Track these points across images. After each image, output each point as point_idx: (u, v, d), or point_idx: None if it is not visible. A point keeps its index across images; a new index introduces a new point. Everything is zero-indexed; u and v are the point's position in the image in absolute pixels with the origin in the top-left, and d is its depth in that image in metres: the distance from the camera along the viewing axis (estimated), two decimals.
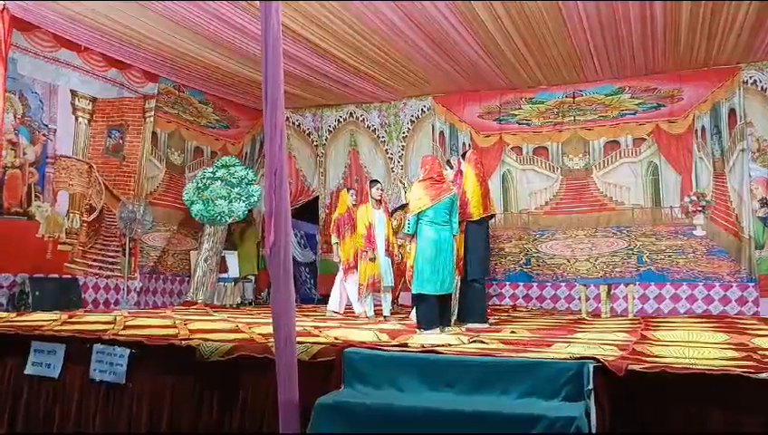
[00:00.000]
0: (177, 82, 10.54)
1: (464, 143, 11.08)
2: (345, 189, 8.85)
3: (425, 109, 11.40)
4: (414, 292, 6.07)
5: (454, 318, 6.59)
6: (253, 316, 7.65)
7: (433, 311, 5.95)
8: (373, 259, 7.73)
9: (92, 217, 9.12)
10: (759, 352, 4.20)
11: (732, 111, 9.57)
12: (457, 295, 6.78)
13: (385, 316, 7.78)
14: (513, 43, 8.59)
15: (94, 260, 9.17)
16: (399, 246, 8.29)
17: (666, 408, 3.40)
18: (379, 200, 8.06)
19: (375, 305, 8.01)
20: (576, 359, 3.68)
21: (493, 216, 7.24)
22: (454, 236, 6.18)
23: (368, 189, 8.12)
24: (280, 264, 3.48)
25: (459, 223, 6.40)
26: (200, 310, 8.93)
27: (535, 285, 10.45)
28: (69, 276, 8.71)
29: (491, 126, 10.98)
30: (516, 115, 10.85)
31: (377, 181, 8.35)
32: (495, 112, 10.94)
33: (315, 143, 12.31)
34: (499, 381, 3.75)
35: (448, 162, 7.71)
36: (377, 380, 4.02)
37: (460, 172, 7.08)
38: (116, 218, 9.36)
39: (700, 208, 9.65)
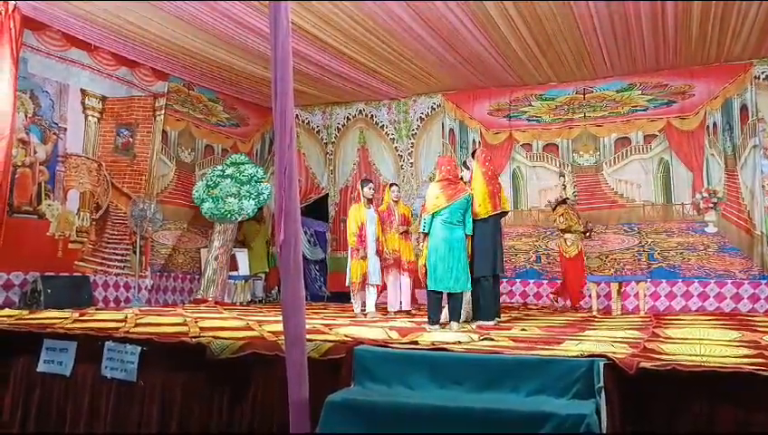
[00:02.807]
0: (186, 81, 10.57)
1: (473, 141, 11.06)
2: (387, 185, 8.95)
3: (434, 106, 11.38)
4: (428, 289, 6.15)
5: (465, 314, 6.62)
6: (263, 314, 7.68)
7: (440, 307, 6.08)
8: (364, 257, 7.90)
9: (97, 215, 9.15)
10: None
11: (744, 107, 9.50)
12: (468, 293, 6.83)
13: (367, 313, 7.86)
14: (523, 39, 8.56)
15: (105, 258, 9.21)
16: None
17: (676, 405, 3.39)
18: (370, 199, 8.18)
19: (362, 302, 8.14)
20: (586, 356, 3.67)
21: (504, 213, 7.23)
22: (467, 235, 6.29)
23: (359, 189, 8.26)
24: (290, 261, 3.49)
25: None
26: (211, 308, 8.96)
27: (545, 282, 10.42)
28: (80, 274, 8.75)
29: (501, 123, 10.96)
30: (526, 112, 10.81)
31: (369, 181, 8.48)
32: (505, 109, 10.91)
33: (325, 141, 12.31)
34: (509, 379, 3.75)
35: (464, 163, 7.74)
36: (387, 377, 4.03)
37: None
38: (126, 216, 9.40)
39: (712, 205, 9.58)
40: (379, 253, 8.11)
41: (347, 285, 8.16)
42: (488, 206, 6.74)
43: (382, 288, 8.45)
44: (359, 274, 7.88)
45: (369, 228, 8.01)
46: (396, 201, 8.55)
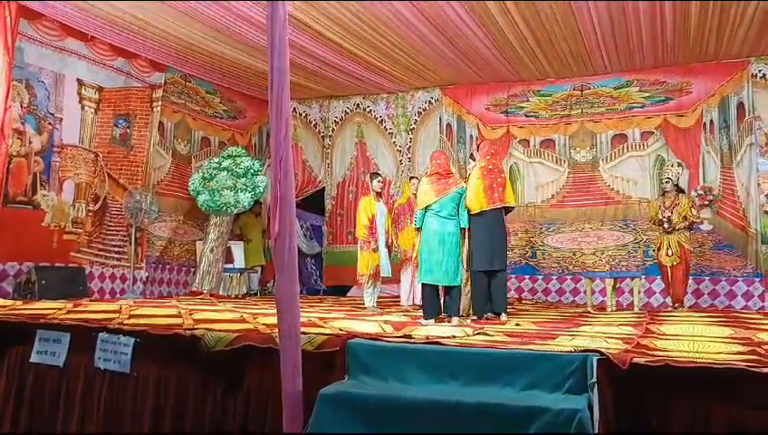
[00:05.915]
0: (183, 72, 10.53)
1: (471, 136, 11.05)
2: (408, 178, 8.94)
3: (432, 101, 11.37)
4: (418, 281, 6.16)
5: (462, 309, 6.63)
6: (258, 307, 7.67)
7: (435, 301, 6.06)
8: (375, 250, 7.89)
9: (96, 206, 9.13)
10: (763, 346, 4.18)
11: (740, 105, 9.52)
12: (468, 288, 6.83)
13: (367, 306, 7.88)
14: (521, 35, 8.55)
15: (100, 249, 9.19)
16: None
17: (669, 401, 3.39)
18: (380, 193, 8.23)
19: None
20: (580, 352, 3.67)
21: (506, 208, 6.88)
22: (462, 229, 6.26)
23: (368, 182, 8.25)
24: (285, 253, 3.48)
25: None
26: (206, 300, 8.95)
27: (541, 277, 10.44)
28: (75, 265, 8.73)
29: (498, 118, 10.96)
30: (524, 108, 10.81)
31: (377, 174, 8.49)
32: (503, 105, 10.91)
33: (322, 134, 12.28)
34: (503, 374, 3.75)
35: (471, 156, 7.71)
36: (381, 371, 4.03)
37: None
38: (122, 208, 9.38)
39: (707, 203, 9.60)
40: (388, 246, 8.14)
41: (358, 279, 8.14)
42: (482, 200, 6.56)
43: (395, 282, 8.47)
44: (369, 266, 7.85)
45: (380, 221, 8.03)
46: (416, 194, 8.53)
